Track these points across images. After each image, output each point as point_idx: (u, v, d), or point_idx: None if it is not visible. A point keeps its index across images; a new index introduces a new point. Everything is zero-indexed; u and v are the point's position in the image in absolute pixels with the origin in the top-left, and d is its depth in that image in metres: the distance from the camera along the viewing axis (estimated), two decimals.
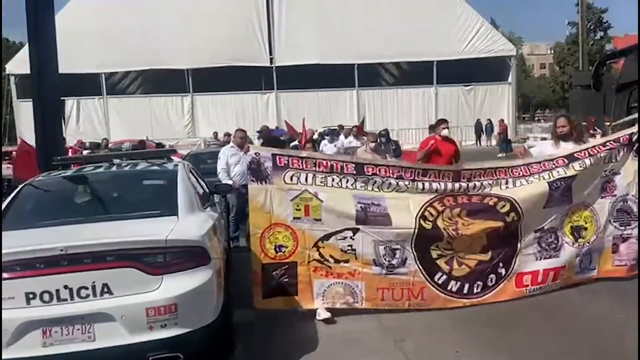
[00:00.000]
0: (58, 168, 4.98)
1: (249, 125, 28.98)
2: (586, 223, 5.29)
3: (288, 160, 4.80)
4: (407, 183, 4.94)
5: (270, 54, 30.97)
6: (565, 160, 5.23)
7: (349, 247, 4.74)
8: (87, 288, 3.36)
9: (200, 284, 3.55)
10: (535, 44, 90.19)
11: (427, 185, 4.97)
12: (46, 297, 3.33)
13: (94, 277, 3.36)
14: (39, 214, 4.26)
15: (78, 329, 3.34)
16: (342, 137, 12.71)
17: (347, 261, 4.76)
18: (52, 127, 7.34)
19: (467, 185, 5.04)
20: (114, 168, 4.85)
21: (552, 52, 78.89)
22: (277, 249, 4.73)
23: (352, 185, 4.86)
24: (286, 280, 4.75)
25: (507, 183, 5.12)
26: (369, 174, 4.89)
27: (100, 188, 4.48)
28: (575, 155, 5.27)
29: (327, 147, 10.85)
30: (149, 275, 3.45)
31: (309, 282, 4.76)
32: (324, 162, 4.87)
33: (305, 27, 30.00)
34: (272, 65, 30.88)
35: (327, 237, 4.73)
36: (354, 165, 4.92)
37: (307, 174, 4.80)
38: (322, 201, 4.74)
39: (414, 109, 31.74)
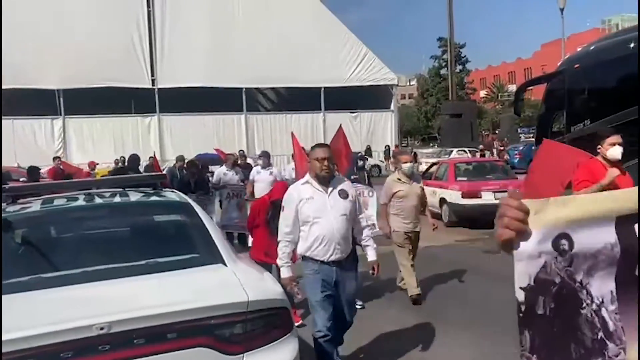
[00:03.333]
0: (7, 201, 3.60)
1: (128, 151, 27.14)
2: None
3: None
4: None
5: (152, 75, 29.15)
6: None
7: None
8: None
9: None
10: (398, 75, 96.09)
11: None
12: None
13: None
14: (35, 265, 3.01)
15: None
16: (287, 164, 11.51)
17: None
18: None
19: None
20: (98, 200, 3.62)
21: (411, 83, 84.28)
22: None
23: None
24: None
25: None
26: None
27: (103, 227, 3.29)
28: None
29: (261, 175, 9.78)
30: (226, 356, 2.42)
31: None
32: None
33: (190, 49, 28.77)
34: (154, 87, 29.09)
35: None
36: None
37: None
38: None
39: (303, 134, 31.51)
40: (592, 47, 11.77)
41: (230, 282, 2.65)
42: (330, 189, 3.97)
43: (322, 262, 3.92)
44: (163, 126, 29.58)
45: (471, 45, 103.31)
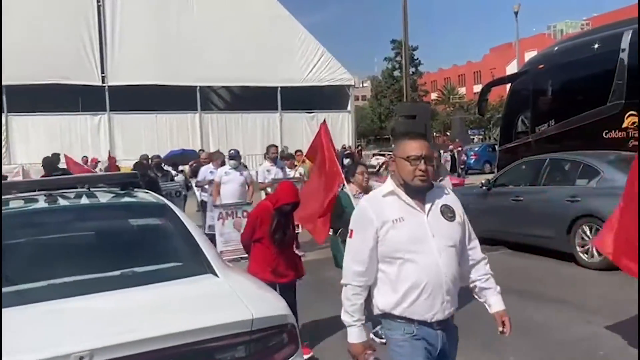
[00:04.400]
0: None
1: (77, 151, 25.96)
2: None
3: None
4: None
5: (102, 72, 28.01)
6: None
7: None
8: None
9: None
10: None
11: None
12: None
13: None
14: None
15: None
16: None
17: None
18: None
19: None
20: (63, 201, 3.15)
21: (364, 85, 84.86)
22: None
23: None
24: None
25: None
26: None
27: (69, 232, 2.83)
28: None
29: (230, 176, 9.02)
30: None
31: None
32: None
33: (142, 45, 27.77)
34: (104, 85, 27.95)
35: None
36: None
37: None
38: None
39: (259, 134, 31.15)
40: (556, 48, 11.88)
41: (227, 297, 2.29)
42: (428, 205, 2.56)
43: (423, 323, 2.51)
44: (113, 125, 28.44)
45: (423, 48, 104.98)
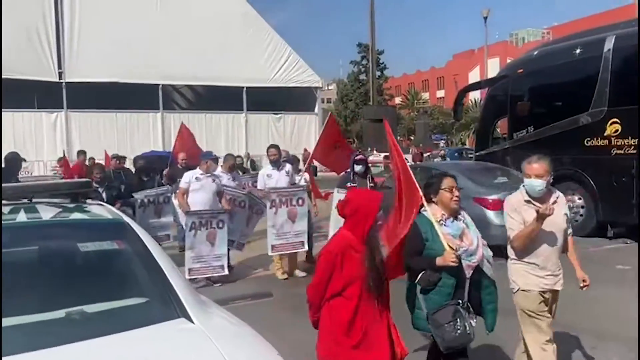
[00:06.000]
0: None
1: (31, 149, 24.73)
2: None
3: None
4: None
5: (60, 68, 26.78)
6: None
7: None
8: None
9: None
10: None
11: None
12: None
13: None
14: None
15: None
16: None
17: None
18: None
19: None
20: None
21: (329, 88, 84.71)
22: None
23: None
24: None
25: None
26: None
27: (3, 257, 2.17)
28: None
29: (201, 182, 7.84)
30: None
31: None
32: None
33: (102, 41, 26.62)
34: (62, 81, 26.73)
35: None
36: None
37: None
38: None
39: (224, 134, 30.41)
40: (535, 52, 11.60)
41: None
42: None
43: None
44: (71, 123, 27.24)
45: (387, 53, 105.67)
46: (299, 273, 8.10)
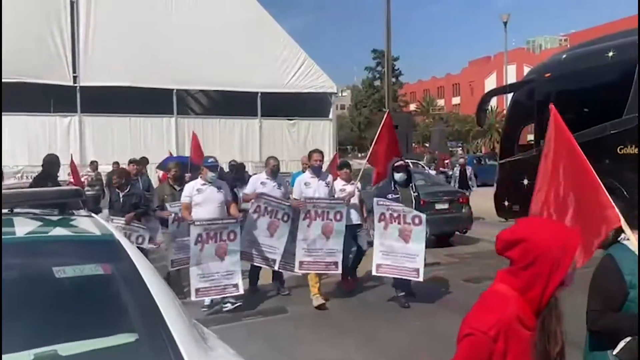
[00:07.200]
0: None
1: (44, 153, 24.54)
2: None
3: None
4: None
5: (74, 72, 26.67)
6: None
7: None
8: None
9: None
10: None
11: None
12: None
13: None
14: None
15: None
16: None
17: None
18: None
19: None
20: None
21: (343, 94, 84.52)
22: None
23: None
24: None
25: None
26: None
27: None
28: None
29: (205, 193, 7.12)
30: None
31: None
32: None
33: (117, 45, 26.56)
34: (76, 85, 26.61)
35: None
36: None
37: None
38: None
39: (237, 140, 30.14)
40: (564, 56, 11.09)
41: None
42: None
43: None
44: (84, 127, 27.13)
45: (402, 59, 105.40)
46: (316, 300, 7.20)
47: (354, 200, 7.72)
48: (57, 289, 1.99)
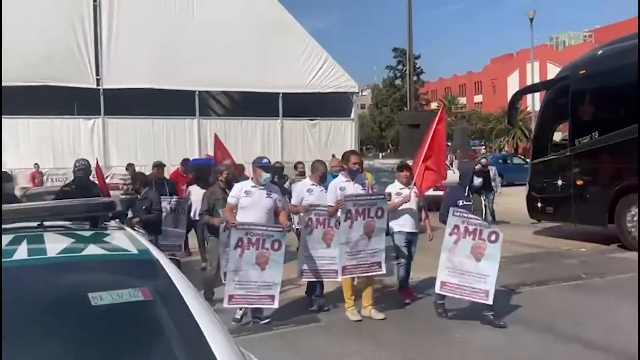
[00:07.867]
0: None
1: (68, 155, 24.74)
2: None
3: None
4: None
5: (97, 75, 26.86)
6: None
7: None
8: None
9: None
10: None
11: None
12: None
13: None
14: None
15: None
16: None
17: None
18: None
19: None
20: None
21: (363, 93, 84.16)
22: None
23: None
24: None
25: None
26: None
27: None
28: None
29: (253, 197, 6.53)
30: None
31: None
32: None
33: (139, 48, 26.72)
34: (99, 87, 26.79)
35: None
36: None
37: None
38: None
39: (259, 141, 30.07)
40: (600, 52, 10.71)
41: None
42: None
43: None
44: (108, 129, 27.31)
45: (423, 58, 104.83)
46: (375, 314, 6.54)
47: (411, 205, 7.01)
48: (93, 319, 1.81)
